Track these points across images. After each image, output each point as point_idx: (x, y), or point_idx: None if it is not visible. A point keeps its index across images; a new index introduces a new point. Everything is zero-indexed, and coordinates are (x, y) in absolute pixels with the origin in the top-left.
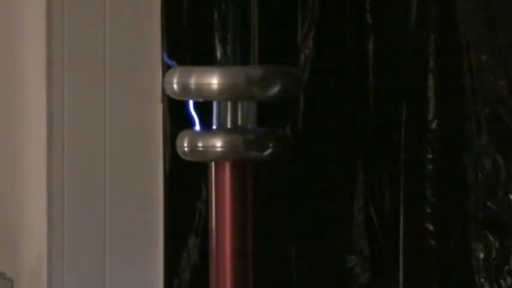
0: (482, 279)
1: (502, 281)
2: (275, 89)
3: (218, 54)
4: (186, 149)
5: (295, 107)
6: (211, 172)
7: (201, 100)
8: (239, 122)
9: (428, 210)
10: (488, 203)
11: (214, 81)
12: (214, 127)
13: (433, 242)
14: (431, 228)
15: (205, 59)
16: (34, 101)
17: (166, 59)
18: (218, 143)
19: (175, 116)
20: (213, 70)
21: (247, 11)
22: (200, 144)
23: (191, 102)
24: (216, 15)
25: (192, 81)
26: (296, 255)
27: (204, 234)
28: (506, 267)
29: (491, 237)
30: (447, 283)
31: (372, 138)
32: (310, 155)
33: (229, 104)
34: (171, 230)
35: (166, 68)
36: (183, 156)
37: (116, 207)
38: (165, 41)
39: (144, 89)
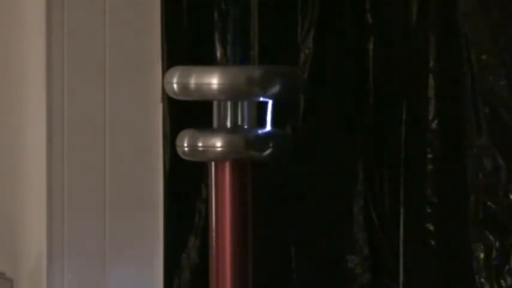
0: (482, 279)
1: (502, 281)
2: (275, 89)
3: (218, 54)
4: (186, 149)
5: (295, 107)
6: (211, 172)
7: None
8: (239, 122)
9: (428, 210)
10: (488, 203)
11: (214, 81)
12: (214, 127)
13: (433, 242)
14: (431, 228)
15: (205, 59)
16: (34, 101)
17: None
18: (218, 143)
19: (175, 116)
20: (213, 70)
21: (247, 11)
22: (200, 144)
23: (270, 103)
24: (216, 15)
25: (192, 81)
26: (296, 255)
27: (204, 234)
28: (506, 267)
29: (491, 237)
30: (447, 283)
31: (372, 138)
32: (310, 155)
33: (229, 104)
34: (171, 230)
35: (166, 68)
36: (183, 156)
37: (116, 207)
38: (165, 41)
39: (144, 89)
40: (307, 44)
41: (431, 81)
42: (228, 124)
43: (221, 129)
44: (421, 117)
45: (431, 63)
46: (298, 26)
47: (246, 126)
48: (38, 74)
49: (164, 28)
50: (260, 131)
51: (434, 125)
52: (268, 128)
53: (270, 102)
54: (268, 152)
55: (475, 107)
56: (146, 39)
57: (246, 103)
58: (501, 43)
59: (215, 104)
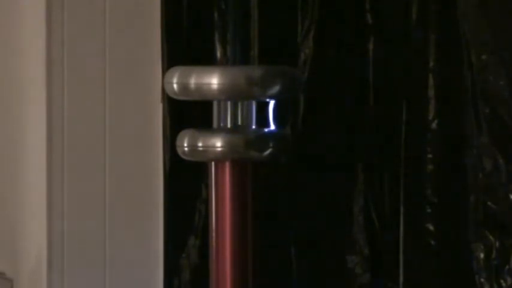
0: (482, 279)
1: (502, 281)
2: (275, 89)
3: (218, 54)
4: (186, 149)
5: (295, 107)
6: (211, 172)
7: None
8: (239, 122)
9: (428, 210)
10: (488, 203)
11: (214, 81)
12: (214, 127)
13: (433, 242)
14: (431, 228)
15: (205, 59)
16: (34, 101)
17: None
18: (218, 143)
19: (175, 116)
20: (213, 70)
21: (247, 11)
22: (200, 144)
23: (272, 104)
24: (216, 15)
25: (192, 81)
26: (296, 255)
27: (204, 234)
28: (506, 267)
29: (491, 237)
30: (447, 283)
31: (372, 138)
32: (310, 155)
33: (229, 104)
34: (171, 230)
35: (166, 68)
36: (183, 156)
37: (116, 207)
38: (165, 41)
39: (144, 89)
40: (307, 44)
41: (431, 81)
42: (228, 124)
43: (221, 129)
44: (421, 117)
45: (431, 63)
46: (298, 26)
47: (246, 126)
48: (38, 74)
49: (164, 28)
50: (260, 131)
51: (434, 125)
52: (270, 127)
53: (272, 102)
54: (268, 152)
55: (475, 107)
56: (146, 39)
57: (246, 103)
58: (501, 43)
59: (215, 104)
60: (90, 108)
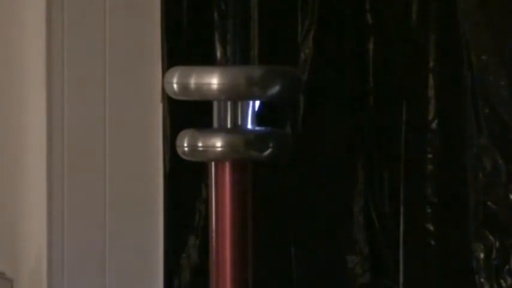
0: (482, 279)
1: (502, 281)
2: (275, 89)
3: (218, 54)
4: (186, 149)
5: (295, 107)
6: (211, 172)
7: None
8: (239, 122)
9: (428, 210)
10: (488, 203)
11: (214, 81)
12: (214, 127)
13: (433, 242)
14: (431, 228)
15: (205, 59)
16: (34, 101)
17: None
18: (218, 143)
19: (175, 116)
20: (213, 70)
21: (247, 11)
22: (200, 144)
23: (257, 104)
24: (216, 15)
25: (192, 81)
26: (296, 255)
27: (204, 234)
28: (506, 267)
29: (491, 237)
30: (447, 283)
31: (372, 138)
32: (310, 155)
33: (229, 104)
34: (171, 230)
35: (166, 68)
36: (183, 156)
37: (116, 207)
38: (165, 41)
39: (144, 89)
40: (307, 44)
41: (431, 81)
42: (228, 124)
43: (221, 129)
44: (421, 117)
45: (431, 63)
46: (298, 26)
47: (246, 126)
48: (38, 74)
49: (164, 28)
50: (260, 131)
51: (434, 125)
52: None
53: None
54: (268, 152)
55: (475, 107)
56: (146, 39)
57: (246, 103)
58: (501, 43)
59: (215, 104)
60: (90, 108)
